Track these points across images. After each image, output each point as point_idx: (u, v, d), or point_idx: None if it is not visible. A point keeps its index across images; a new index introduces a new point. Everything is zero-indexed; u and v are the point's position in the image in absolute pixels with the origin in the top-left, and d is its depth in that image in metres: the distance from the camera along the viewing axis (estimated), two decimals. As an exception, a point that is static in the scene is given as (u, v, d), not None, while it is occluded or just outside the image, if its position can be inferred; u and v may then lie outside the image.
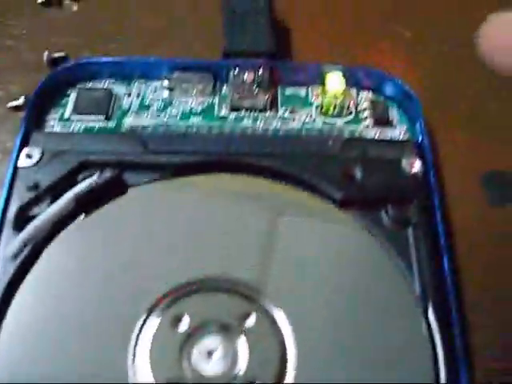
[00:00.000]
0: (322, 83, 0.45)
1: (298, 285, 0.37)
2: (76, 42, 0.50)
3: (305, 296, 0.36)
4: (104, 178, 0.38)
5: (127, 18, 0.51)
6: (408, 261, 0.37)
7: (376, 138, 0.43)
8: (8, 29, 0.50)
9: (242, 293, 0.36)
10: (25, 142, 0.41)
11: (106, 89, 0.44)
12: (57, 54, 0.48)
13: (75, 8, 0.51)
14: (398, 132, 0.44)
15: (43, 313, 0.36)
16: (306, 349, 0.34)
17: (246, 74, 0.44)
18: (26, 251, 0.37)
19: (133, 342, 0.34)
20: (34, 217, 0.38)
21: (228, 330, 0.35)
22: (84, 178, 0.39)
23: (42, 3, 0.52)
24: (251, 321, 0.35)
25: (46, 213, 0.37)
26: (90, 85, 0.45)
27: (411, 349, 0.35)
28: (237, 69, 0.44)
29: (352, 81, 0.45)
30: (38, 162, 0.40)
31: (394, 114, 0.45)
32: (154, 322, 0.35)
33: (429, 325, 0.35)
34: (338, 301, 0.36)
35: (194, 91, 0.44)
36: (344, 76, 0.44)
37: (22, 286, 0.36)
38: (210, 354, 0.34)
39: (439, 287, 0.36)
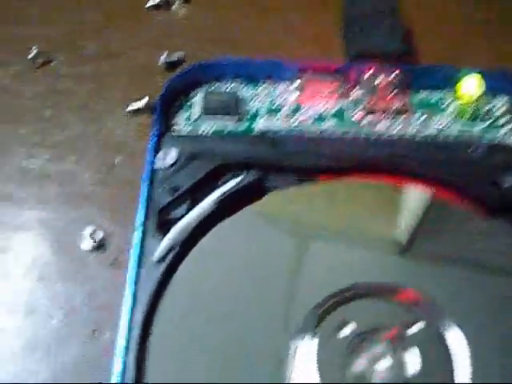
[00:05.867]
0: (457, 87, 0.42)
1: (466, 295, 0.35)
2: (189, 45, 0.48)
3: (473, 305, 0.35)
4: (247, 181, 0.36)
5: (238, 20, 0.50)
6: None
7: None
8: (119, 33, 0.49)
9: (405, 300, 0.34)
10: (158, 145, 0.39)
11: (233, 91, 0.43)
12: (174, 57, 0.45)
13: (184, 11, 0.49)
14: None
15: (192, 319, 0.34)
16: (479, 363, 0.32)
17: (379, 77, 0.42)
18: (170, 255, 0.35)
19: (293, 350, 0.33)
20: (174, 219, 0.36)
21: (395, 338, 0.33)
22: (224, 181, 0.37)
23: (150, 7, 0.50)
24: (417, 329, 0.33)
25: (190, 216, 0.36)
26: (214, 87, 0.43)
27: None
28: (369, 72, 0.42)
29: (488, 84, 0.42)
30: (174, 164, 0.38)
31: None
32: (318, 328, 0.33)
33: None
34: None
35: (324, 94, 0.41)
36: (481, 80, 0.41)
37: (168, 291, 0.35)
38: (375, 361, 0.32)
39: None
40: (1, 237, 0.39)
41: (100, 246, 0.39)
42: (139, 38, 0.49)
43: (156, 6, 0.50)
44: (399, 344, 0.33)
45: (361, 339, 0.33)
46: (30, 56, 0.46)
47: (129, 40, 0.48)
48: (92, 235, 0.38)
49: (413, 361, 0.32)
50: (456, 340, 0.33)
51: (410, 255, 0.36)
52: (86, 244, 0.38)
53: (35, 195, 0.41)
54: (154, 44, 0.48)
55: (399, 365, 0.32)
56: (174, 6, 0.51)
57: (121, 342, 0.33)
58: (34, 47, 0.46)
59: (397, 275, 0.35)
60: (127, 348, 0.32)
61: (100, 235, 0.38)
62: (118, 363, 0.32)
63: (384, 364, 0.32)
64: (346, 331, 0.33)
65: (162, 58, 0.46)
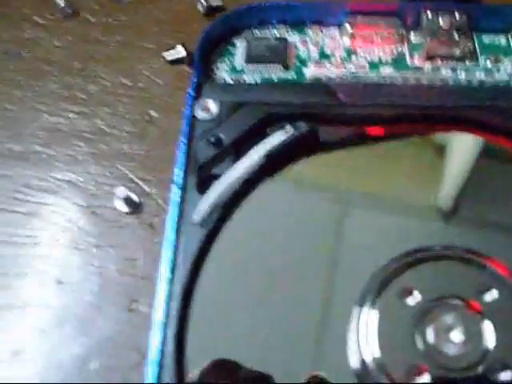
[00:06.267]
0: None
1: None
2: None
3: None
4: (298, 134, 0.33)
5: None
6: None
7: None
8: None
9: (477, 263, 0.30)
10: (197, 96, 0.35)
11: (280, 36, 0.39)
12: (213, 2, 0.40)
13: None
14: None
15: (237, 288, 0.31)
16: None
17: (441, 18, 0.37)
18: (213, 216, 0.32)
19: (356, 316, 0.29)
20: (216, 176, 0.33)
21: (466, 306, 0.29)
22: (272, 134, 0.34)
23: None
24: (492, 296, 0.30)
25: (234, 172, 0.33)
26: (256, 33, 0.39)
27: None
28: (429, 13, 0.37)
29: None
30: (215, 115, 0.34)
31: None
32: (382, 294, 0.30)
33: None
34: None
35: (379, 38, 0.37)
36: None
37: (210, 256, 0.31)
38: (448, 331, 0.29)
39: None
40: (28, 201, 0.36)
41: (136, 208, 0.35)
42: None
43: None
44: (472, 314, 0.29)
45: (427, 308, 0.29)
46: (58, 6, 0.43)
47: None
48: (126, 196, 0.35)
49: (488, 332, 0.29)
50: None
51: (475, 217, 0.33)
52: (121, 206, 0.35)
53: (65, 155, 0.38)
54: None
55: (474, 336, 0.29)
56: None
57: (158, 317, 0.29)
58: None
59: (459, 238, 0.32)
60: (166, 323, 0.29)
61: (135, 196, 0.35)
62: (156, 339, 0.29)
63: (456, 336, 0.28)
64: (411, 300, 0.30)
65: (201, 4, 0.40)
